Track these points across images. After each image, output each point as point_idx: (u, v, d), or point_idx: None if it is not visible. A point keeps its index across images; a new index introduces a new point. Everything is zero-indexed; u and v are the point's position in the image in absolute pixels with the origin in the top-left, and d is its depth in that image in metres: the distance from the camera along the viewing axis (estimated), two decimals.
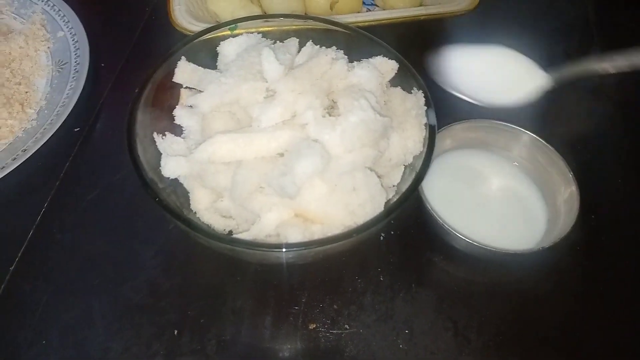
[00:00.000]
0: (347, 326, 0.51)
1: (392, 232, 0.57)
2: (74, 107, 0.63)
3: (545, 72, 0.57)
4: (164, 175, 0.47)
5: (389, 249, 0.56)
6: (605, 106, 0.70)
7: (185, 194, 0.50)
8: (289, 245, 0.41)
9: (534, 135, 0.58)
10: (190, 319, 0.51)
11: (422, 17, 0.71)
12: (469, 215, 0.54)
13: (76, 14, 0.73)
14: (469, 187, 0.57)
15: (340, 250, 0.49)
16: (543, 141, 0.57)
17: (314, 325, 0.51)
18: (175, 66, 0.51)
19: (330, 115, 0.47)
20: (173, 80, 0.51)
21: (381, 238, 0.56)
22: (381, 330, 0.51)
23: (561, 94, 0.71)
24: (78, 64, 0.67)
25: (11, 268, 0.54)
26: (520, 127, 0.58)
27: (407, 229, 0.57)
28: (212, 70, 0.52)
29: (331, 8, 0.73)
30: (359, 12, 0.75)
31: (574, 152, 0.59)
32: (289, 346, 0.50)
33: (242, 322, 0.51)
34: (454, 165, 0.58)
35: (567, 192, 0.55)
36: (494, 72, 0.57)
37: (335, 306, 0.52)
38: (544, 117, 0.62)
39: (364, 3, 0.77)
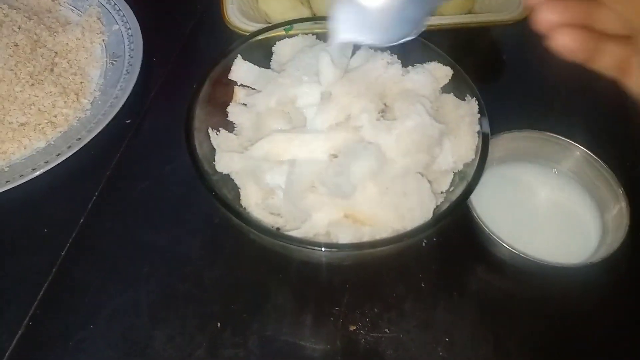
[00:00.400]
0: (387, 330, 0.51)
1: (434, 239, 0.57)
2: (126, 99, 0.65)
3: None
4: (218, 170, 0.48)
5: (431, 256, 0.56)
6: None
7: (234, 189, 0.51)
8: (340, 246, 0.41)
9: (585, 149, 0.57)
10: (233, 313, 0.52)
11: (471, 25, 0.71)
12: (516, 226, 0.54)
13: (131, 8, 0.75)
14: (516, 198, 0.57)
15: (385, 254, 0.49)
16: (593, 155, 0.56)
17: (354, 327, 0.51)
18: (231, 64, 0.52)
19: (383, 119, 0.47)
20: (229, 77, 0.52)
21: (423, 244, 0.56)
22: (421, 337, 0.51)
23: (613, 108, 0.70)
24: (132, 57, 0.69)
25: (62, 253, 0.55)
26: (570, 139, 0.57)
27: (451, 237, 0.56)
28: (267, 70, 0.53)
29: None
30: None
31: (625, 167, 0.58)
32: (328, 346, 0.50)
33: (284, 319, 0.52)
34: (502, 175, 0.58)
35: (616, 209, 0.54)
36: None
37: (375, 310, 0.52)
38: (594, 130, 0.61)
39: None
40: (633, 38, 0.34)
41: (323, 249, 0.41)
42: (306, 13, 0.73)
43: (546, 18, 0.34)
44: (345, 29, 0.40)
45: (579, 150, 0.57)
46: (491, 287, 0.54)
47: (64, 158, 0.59)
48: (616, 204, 0.54)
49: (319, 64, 0.46)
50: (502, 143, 0.57)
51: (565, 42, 0.34)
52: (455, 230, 0.56)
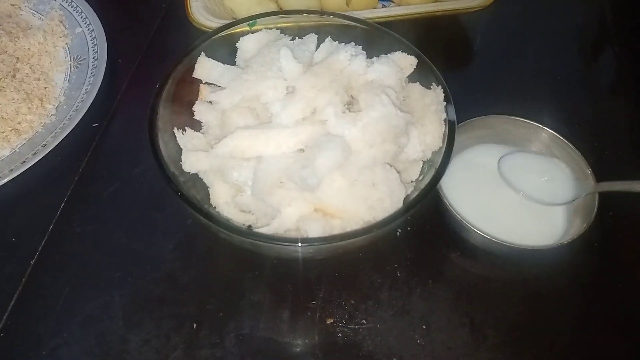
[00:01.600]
0: (364, 321, 0.51)
1: (409, 228, 0.57)
2: (92, 102, 0.64)
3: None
4: (185, 170, 0.47)
5: (405, 245, 0.56)
6: (625, 104, 0.70)
7: (204, 188, 0.50)
8: (310, 240, 0.41)
9: (552, 131, 0.57)
10: (209, 313, 0.51)
11: (437, 13, 0.71)
12: (486, 211, 0.54)
13: (93, 10, 0.73)
14: (486, 183, 0.57)
15: (358, 245, 0.49)
16: (562, 137, 0.57)
17: (332, 320, 0.51)
18: (194, 62, 0.52)
19: (349, 111, 0.47)
20: (193, 75, 0.52)
21: (398, 234, 0.56)
22: (398, 326, 0.51)
23: (580, 90, 0.71)
24: (96, 59, 0.68)
25: (32, 261, 0.54)
26: (538, 123, 0.58)
27: (424, 225, 0.57)
28: (232, 66, 0.52)
29: (347, 4, 0.73)
30: (374, 8, 0.75)
31: (593, 149, 0.58)
32: (306, 340, 0.50)
33: (260, 316, 0.51)
34: (470, 161, 0.58)
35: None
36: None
37: (352, 301, 0.53)
38: (562, 113, 0.62)
39: None
40: None
41: (293, 244, 0.41)
42: (273, 8, 0.72)
43: None
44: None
45: (546, 133, 0.58)
46: (465, 273, 0.55)
47: (29, 165, 0.58)
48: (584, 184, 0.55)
49: (280, 60, 0.46)
50: (470, 129, 0.58)
51: None
52: (429, 219, 0.57)
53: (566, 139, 0.57)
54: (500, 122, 0.59)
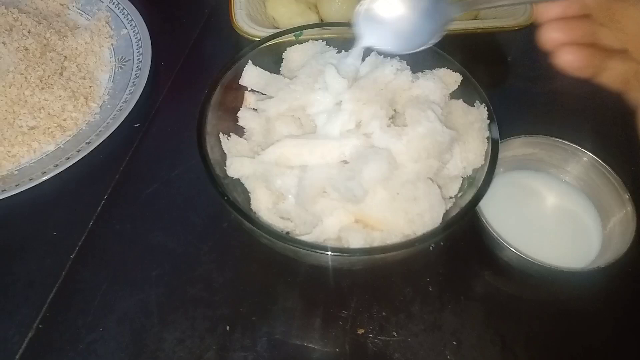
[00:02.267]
0: (395, 334, 0.52)
1: (442, 243, 0.57)
2: (135, 103, 0.65)
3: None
4: (229, 175, 0.48)
5: (438, 260, 0.56)
6: None
7: (244, 193, 0.51)
8: (353, 251, 0.42)
9: (591, 154, 0.57)
10: (242, 316, 0.52)
11: (478, 31, 0.71)
12: (522, 231, 0.54)
13: (139, 13, 0.75)
14: (523, 204, 0.57)
15: (395, 259, 0.49)
16: (600, 160, 0.57)
17: (363, 331, 0.52)
18: (241, 69, 0.53)
19: (393, 125, 0.48)
20: (239, 83, 0.53)
21: (431, 248, 0.57)
22: (429, 340, 0.51)
23: (619, 114, 0.70)
24: (140, 61, 0.70)
25: (72, 256, 0.56)
26: (577, 145, 0.58)
27: (457, 241, 0.57)
28: (278, 75, 0.53)
29: None
30: None
31: (631, 173, 0.58)
32: (337, 349, 0.51)
33: (293, 322, 0.52)
34: (509, 180, 0.58)
35: (622, 213, 0.55)
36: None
37: (383, 313, 0.53)
38: (601, 136, 0.62)
39: None
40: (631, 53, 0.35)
41: (334, 253, 0.41)
42: (314, 18, 0.73)
43: (552, 36, 0.36)
44: (367, 36, 0.44)
45: (586, 156, 0.58)
46: (498, 291, 0.55)
47: (73, 162, 0.60)
48: (622, 208, 0.55)
49: (325, 77, 0.47)
50: (509, 148, 0.58)
51: (569, 60, 0.37)
52: (463, 235, 0.57)
53: (605, 162, 0.57)
54: (538, 142, 0.59)
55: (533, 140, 0.58)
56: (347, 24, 0.60)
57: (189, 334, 0.51)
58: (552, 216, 0.57)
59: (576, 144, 0.58)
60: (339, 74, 0.48)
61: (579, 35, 0.36)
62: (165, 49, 0.75)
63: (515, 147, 0.58)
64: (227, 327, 0.51)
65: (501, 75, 0.74)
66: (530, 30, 0.73)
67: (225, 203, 0.43)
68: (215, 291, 0.53)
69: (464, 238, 0.57)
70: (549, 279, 0.53)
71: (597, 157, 0.57)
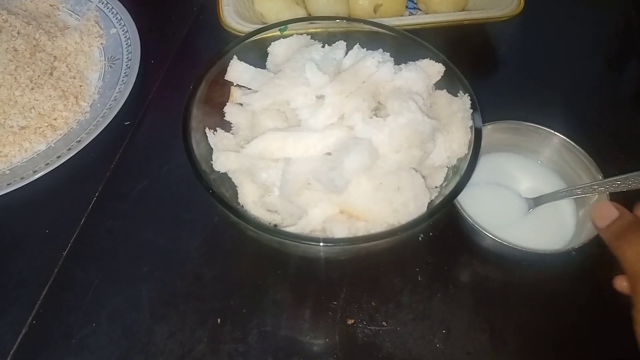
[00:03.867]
0: (384, 323, 0.52)
1: (430, 234, 0.58)
2: (125, 101, 0.66)
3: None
4: (215, 169, 0.49)
5: (426, 250, 0.57)
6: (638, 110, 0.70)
7: (232, 187, 0.51)
8: (336, 240, 0.42)
9: (564, 137, 0.57)
10: (232, 309, 0.53)
11: (465, 22, 0.72)
12: (498, 215, 0.55)
13: (128, 11, 0.76)
14: (498, 188, 0.57)
15: (380, 248, 0.49)
16: (573, 143, 0.57)
17: (352, 321, 0.52)
18: (226, 64, 0.53)
19: (376, 116, 0.48)
20: (225, 78, 0.53)
21: (420, 238, 0.57)
22: (418, 329, 0.52)
23: (603, 100, 0.71)
24: (130, 60, 0.70)
25: (64, 253, 0.56)
26: (550, 128, 0.58)
27: (445, 231, 0.57)
28: (263, 70, 0.54)
29: (375, 11, 0.74)
30: (402, 16, 0.75)
31: (604, 154, 0.58)
32: (327, 340, 0.51)
33: (282, 314, 0.52)
34: (484, 166, 0.58)
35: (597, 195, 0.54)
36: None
37: (373, 303, 0.53)
38: (574, 119, 0.62)
39: (406, 7, 0.78)
40: None
41: (320, 244, 0.42)
42: (301, 13, 0.73)
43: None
44: None
45: (559, 139, 0.57)
46: (486, 279, 0.55)
47: (64, 160, 0.60)
48: None
49: (306, 73, 0.47)
50: (485, 134, 0.57)
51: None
52: (451, 225, 0.57)
53: (577, 144, 0.57)
54: (511, 127, 0.59)
55: (505, 125, 0.58)
56: (332, 18, 0.61)
57: (179, 327, 0.51)
58: (527, 199, 0.57)
59: (549, 128, 0.58)
60: (319, 69, 0.48)
61: None
62: (155, 46, 0.75)
63: (490, 133, 0.57)
64: (218, 320, 0.52)
65: (487, 66, 0.75)
66: (516, 20, 0.73)
67: (211, 197, 0.43)
68: (205, 285, 0.54)
69: (452, 228, 0.57)
70: (530, 263, 0.54)
71: (571, 139, 0.57)
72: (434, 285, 0.54)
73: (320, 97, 0.47)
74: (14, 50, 0.67)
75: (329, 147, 0.45)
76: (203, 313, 0.52)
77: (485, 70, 0.74)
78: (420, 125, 0.44)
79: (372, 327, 0.52)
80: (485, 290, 0.54)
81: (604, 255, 0.52)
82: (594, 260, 0.53)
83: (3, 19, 0.70)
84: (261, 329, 0.51)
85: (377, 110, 0.50)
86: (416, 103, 0.46)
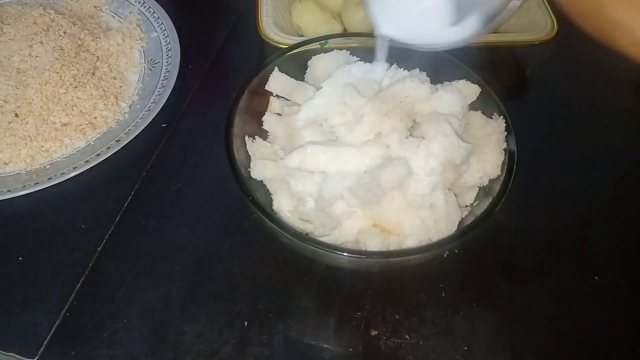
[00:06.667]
0: (407, 336, 0.53)
1: (456, 251, 0.58)
2: (163, 104, 0.68)
3: None
4: (252, 177, 0.50)
5: (451, 267, 0.58)
6: None
7: (266, 194, 0.53)
8: (370, 253, 0.44)
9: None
10: (259, 313, 0.54)
11: (498, 44, 0.73)
12: None
13: (169, 17, 0.78)
14: None
15: (409, 263, 0.51)
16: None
17: (376, 332, 0.53)
18: (268, 75, 0.55)
19: (412, 135, 0.49)
20: (265, 88, 0.55)
21: (445, 255, 0.58)
22: (440, 345, 0.53)
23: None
24: (169, 64, 0.72)
25: (99, 248, 0.58)
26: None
27: (471, 249, 0.58)
28: (303, 83, 0.55)
29: None
30: None
31: None
32: (350, 349, 0.52)
33: (308, 321, 0.54)
34: None
35: None
36: None
37: (397, 316, 0.54)
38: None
39: None
40: None
41: (351, 255, 0.43)
42: (338, 27, 0.75)
43: None
44: (384, 22, 0.39)
45: None
46: (510, 299, 0.56)
47: (103, 158, 0.62)
48: None
49: (345, 98, 0.49)
50: None
51: None
52: (477, 243, 0.58)
53: None
54: None
55: None
56: (371, 34, 0.62)
57: (208, 327, 0.53)
58: None
59: None
60: (358, 92, 0.49)
61: None
62: (193, 52, 0.77)
63: None
64: (245, 323, 0.53)
65: (520, 88, 0.76)
66: (549, 44, 0.74)
67: (249, 203, 0.45)
68: (234, 288, 0.55)
69: (478, 246, 0.58)
70: None
71: None
72: (457, 302, 0.55)
73: (359, 116, 0.49)
74: (61, 49, 0.69)
75: (365, 163, 0.47)
76: (231, 315, 0.54)
77: (517, 93, 0.75)
78: (455, 150, 0.46)
79: (395, 340, 0.53)
80: (508, 311, 0.55)
81: None
82: None
83: (51, 19, 0.73)
84: (286, 335, 0.53)
85: (413, 128, 0.51)
86: (451, 125, 0.47)
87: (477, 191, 0.52)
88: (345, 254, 0.42)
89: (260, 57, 0.56)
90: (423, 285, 0.56)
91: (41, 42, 0.69)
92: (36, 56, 0.68)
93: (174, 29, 0.76)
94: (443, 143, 0.46)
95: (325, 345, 0.52)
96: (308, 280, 0.56)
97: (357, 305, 0.55)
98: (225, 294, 0.55)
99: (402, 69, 0.54)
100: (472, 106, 0.55)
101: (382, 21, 0.39)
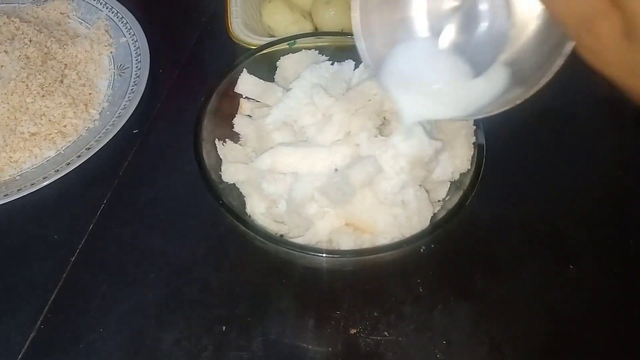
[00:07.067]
0: (386, 333, 0.53)
1: (432, 246, 0.59)
2: (134, 110, 0.67)
3: None
4: (224, 180, 0.50)
5: (428, 262, 0.58)
6: None
7: (239, 197, 0.53)
8: (343, 252, 0.44)
9: None
10: (237, 317, 0.54)
11: None
12: None
13: (137, 21, 0.77)
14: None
15: (384, 260, 0.51)
16: None
17: (355, 330, 0.53)
18: (237, 77, 0.54)
19: (381, 133, 0.49)
20: (235, 90, 0.55)
21: (421, 250, 0.58)
22: (419, 340, 0.53)
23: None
24: (139, 69, 0.71)
25: (72, 258, 0.57)
26: None
27: (446, 243, 0.58)
28: (272, 84, 0.55)
29: None
30: None
31: None
32: (330, 349, 0.52)
33: (287, 323, 0.53)
34: None
35: None
36: None
37: (375, 313, 0.54)
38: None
39: None
40: None
41: (325, 255, 0.43)
42: (308, 27, 0.75)
43: None
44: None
45: None
46: (487, 292, 0.56)
47: (73, 167, 0.61)
48: None
49: (314, 98, 0.49)
50: None
51: None
52: (453, 237, 0.58)
53: None
54: None
55: None
56: (340, 33, 0.63)
57: (186, 334, 0.52)
58: None
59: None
60: (327, 92, 0.49)
61: None
62: (164, 56, 0.76)
63: None
64: (223, 328, 0.53)
65: None
66: None
67: (220, 207, 0.45)
68: (211, 293, 0.55)
69: (454, 241, 0.58)
70: None
71: None
72: (435, 297, 0.56)
73: (328, 116, 0.49)
74: (26, 58, 0.68)
75: (335, 163, 0.47)
76: (209, 320, 0.53)
77: None
78: (425, 148, 0.46)
79: (374, 337, 0.53)
80: (486, 304, 0.55)
81: None
82: None
83: (15, 27, 0.71)
84: (265, 337, 0.52)
85: (383, 126, 0.51)
86: (420, 123, 0.47)
87: (449, 186, 0.52)
88: (317, 254, 0.42)
89: (231, 59, 0.56)
90: (401, 282, 0.57)
91: (6, 52, 0.68)
92: (1, 66, 0.67)
93: (143, 34, 0.75)
94: (412, 142, 0.46)
95: (305, 346, 0.52)
96: (285, 281, 0.56)
97: (335, 304, 0.55)
98: (202, 300, 0.55)
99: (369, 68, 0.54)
100: None
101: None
